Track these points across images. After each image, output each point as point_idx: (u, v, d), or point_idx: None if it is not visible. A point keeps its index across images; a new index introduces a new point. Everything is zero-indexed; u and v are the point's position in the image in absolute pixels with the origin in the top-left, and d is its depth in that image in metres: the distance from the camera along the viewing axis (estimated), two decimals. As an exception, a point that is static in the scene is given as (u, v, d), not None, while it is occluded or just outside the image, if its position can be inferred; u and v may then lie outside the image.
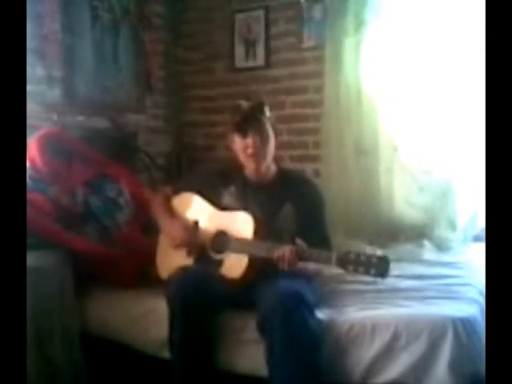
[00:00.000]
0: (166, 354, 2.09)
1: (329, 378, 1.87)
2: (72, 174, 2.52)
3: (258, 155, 2.13)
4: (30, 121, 2.59)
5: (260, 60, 3.56)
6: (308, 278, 2.08)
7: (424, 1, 2.96)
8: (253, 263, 2.02)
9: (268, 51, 3.53)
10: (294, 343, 1.81)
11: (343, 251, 1.85)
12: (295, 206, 2.15)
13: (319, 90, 3.29)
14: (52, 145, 2.51)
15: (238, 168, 2.23)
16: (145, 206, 2.54)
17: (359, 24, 3.08)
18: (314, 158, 3.37)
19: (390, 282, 2.09)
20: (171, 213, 2.27)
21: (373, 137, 3.07)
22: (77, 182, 2.50)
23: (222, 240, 2.11)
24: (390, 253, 2.11)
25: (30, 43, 2.74)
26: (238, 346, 2.02)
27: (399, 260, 2.44)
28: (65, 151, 2.56)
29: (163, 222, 2.26)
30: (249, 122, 2.12)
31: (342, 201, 3.09)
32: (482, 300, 2.00)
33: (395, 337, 1.85)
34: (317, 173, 3.31)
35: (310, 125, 3.40)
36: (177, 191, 2.34)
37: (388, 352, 1.85)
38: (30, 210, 2.22)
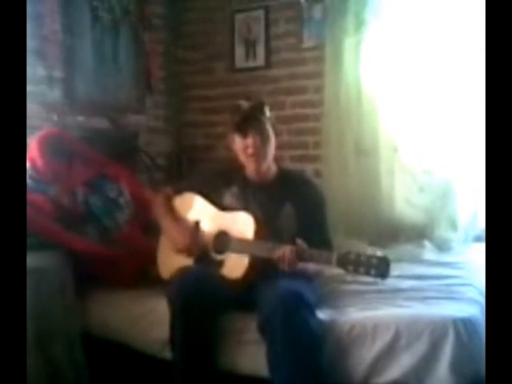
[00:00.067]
0: (166, 354, 2.09)
1: (330, 378, 1.86)
2: (72, 174, 2.52)
3: (259, 155, 2.13)
4: (30, 121, 2.60)
5: (260, 60, 3.56)
6: (308, 278, 2.08)
7: (424, 1, 2.95)
8: (253, 263, 2.01)
9: (268, 51, 3.53)
10: (294, 344, 1.81)
11: (343, 251, 1.84)
12: (296, 206, 2.15)
13: (319, 90, 3.29)
14: (52, 145, 2.51)
15: (239, 168, 2.23)
16: (145, 206, 2.54)
17: (359, 24, 3.08)
18: (315, 158, 3.37)
19: (390, 282, 2.08)
20: (173, 214, 2.27)
21: (373, 137, 3.07)
22: (77, 182, 2.50)
23: (222, 240, 2.11)
24: (391, 253, 2.10)
25: (31, 43, 2.74)
26: (239, 346, 2.02)
27: (400, 260, 2.44)
28: (65, 151, 2.55)
29: (165, 223, 2.26)
30: (249, 122, 2.12)
31: (342, 201, 3.09)
32: (483, 300, 2.00)
33: (396, 337, 1.85)
34: (317, 173, 3.31)
35: (310, 125, 3.40)
36: (178, 191, 2.34)
37: (389, 352, 1.85)
38: (30, 210, 2.21)
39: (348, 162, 3.13)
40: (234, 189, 2.22)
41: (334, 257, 1.85)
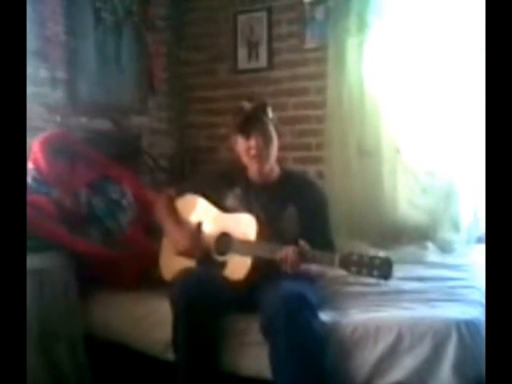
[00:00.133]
0: (169, 355, 2.09)
1: (332, 380, 1.86)
2: (75, 176, 2.52)
3: (261, 156, 2.13)
4: (33, 122, 2.65)
5: (263, 61, 3.56)
6: (311, 279, 2.08)
7: (426, 2, 2.95)
8: (256, 265, 2.01)
9: (270, 52, 3.53)
10: (297, 345, 1.80)
11: (346, 253, 1.84)
12: (298, 207, 2.15)
13: (322, 91, 3.29)
14: (55, 146, 2.52)
15: (241, 170, 2.23)
16: (148, 207, 2.54)
17: (362, 25, 3.08)
18: (317, 160, 3.37)
19: (393, 284, 2.09)
20: (175, 215, 2.27)
21: (375, 138, 3.07)
22: (80, 184, 2.51)
23: (225, 242, 2.11)
24: (393, 255, 2.11)
25: (34, 45, 2.75)
26: (242, 347, 2.02)
27: (402, 262, 2.43)
28: (68, 153, 2.56)
29: (167, 226, 2.26)
30: (252, 123, 2.12)
31: (344, 202, 3.09)
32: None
33: (399, 339, 1.85)
34: (320, 174, 3.31)
35: (313, 126, 3.40)
36: (180, 193, 2.34)
37: (392, 354, 1.85)
38: (33, 212, 2.22)
39: (350, 164, 3.13)
40: (237, 190, 2.22)
41: (337, 258, 1.84)
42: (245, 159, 2.17)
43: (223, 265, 2.09)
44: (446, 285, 2.29)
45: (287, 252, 1.91)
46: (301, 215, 2.15)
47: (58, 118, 2.88)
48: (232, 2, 3.64)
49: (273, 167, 2.21)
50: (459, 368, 1.77)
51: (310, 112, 3.41)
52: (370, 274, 1.79)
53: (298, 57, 3.44)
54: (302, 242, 1.92)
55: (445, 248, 2.90)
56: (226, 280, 2.05)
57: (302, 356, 1.80)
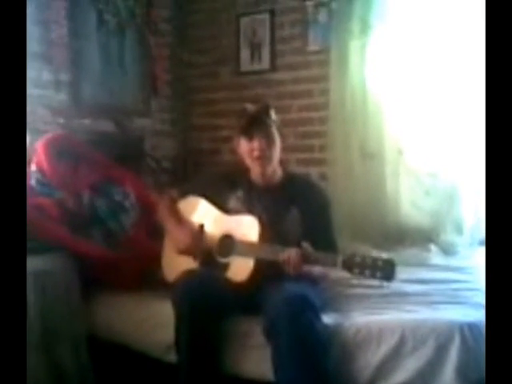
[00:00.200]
0: (171, 357, 2.09)
1: (335, 382, 1.86)
2: (78, 178, 2.53)
3: (264, 158, 2.13)
4: (36, 125, 2.67)
5: (265, 63, 3.56)
6: (314, 281, 2.07)
7: (428, 5, 2.95)
8: (259, 267, 2.01)
9: (273, 55, 3.53)
10: (299, 347, 1.80)
11: (349, 254, 1.84)
12: (301, 209, 2.15)
13: (325, 93, 3.29)
14: (58, 148, 2.52)
15: (244, 171, 2.23)
16: (150, 209, 2.54)
17: (364, 27, 3.08)
18: (320, 162, 3.37)
19: (396, 286, 2.09)
20: (177, 217, 2.27)
21: (378, 140, 3.07)
22: (83, 186, 2.51)
23: (227, 244, 2.11)
24: (396, 257, 2.08)
25: (37, 48, 2.77)
26: (244, 349, 2.02)
27: (405, 264, 2.42)
28: (71, 155, 2.56)
29: (169, 226, 2.26)
30: (255, 125, 2.12)
31: (347, 204, 3.09)
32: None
33: (402, 342, 1.85)
34: (322, 176, 3.31)
35: (316, 128, 3.40)
36: (182, 195, 2.34)
37: (394, 357, 1.85)
38: (36, 213, 2.24)
39: (353, 165, 3.13)
40: (239, 192, 2.22)
41: (340, 260, 1.84)
42: (248, 161, 2.17)
43: (226, 266, 2.09)
44: (449, 287, 2.29)
45: (290, 254, 1.91)
46: (303, 217, 2.14)
47: (62, 120, 2.89)
48: (235, 5, 3.65)
49: (276, 169, 2.21)
50: (462, 370, 1.77)
51: (313, 114, 3.41)
52: (373, 276, 1.79)
53: (300, 59, 3.44)
54: (304, 244, 1.92)
55: (448, 250, 2.89)
56: (228, 282, 2.05)
57: (305, 358, 1.80)
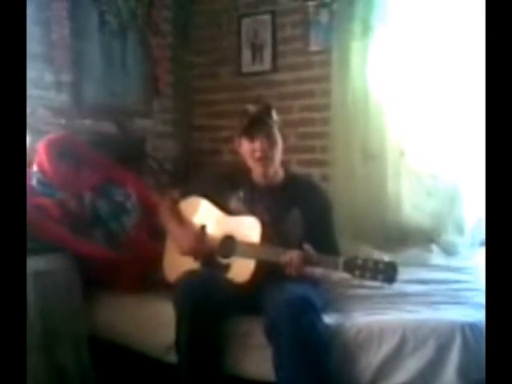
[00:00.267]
0: (172, 357, 2.09)
1: (336, 382, 1.86)
2: (80, 179, 2.53)
3: (266, 159, 2.13)
4: (38, 125, 2.67)
5: (267, 64, 3.57)
6: (315, 282, 2.07)
7: (430, 6, 2.95)
8: (260, 268, 2.01)
9: (275, 55, 3.54)
10: (301, 348, 1.80)
11: (350, 256, 1.84)
12: (303, 210, 2.15)
13: (326, 94, 3.29)
14: (60, 149, 2.52)
15: (245, 172, 2.23)
16: (152, 210, 2.54)
17: (366, 28, 3.08)
18: (322, 163, 3.37)
19: (397, 286, 2.07)
20: (179, 217, 2.28)
21: (380, 141, 3.07)
22: (84, 186, 2.51)
23: (229, 244, 2.11)
24: (397, 257, 2.10)
25: (38, 48, 2.76)
26: (245, 350, 2.02)
27: (406, 265, 2.42)
28: (73, 156, 2.56)
29: (171, 227, 2.27)
30: (256, 125, 2.12)
31: (349, 205, 3.09)
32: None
33: (403, 342, 1.85)
34: (324, 177, 3.31)
35: (317, 129, 3.40)
36: (184, 195, 2.34)
37: (395, 357, 1.85)
38: (37, 214, 2.24)
39: (355, 166, 3.13)
40: (241, 193, 2.22)
41: (341, 261, 1.84)
42: (249, 162, 2.17)
43: (227, 267, 2.09)
44: (450, 287, 2.29)
45: (291, 255, 1.91)
46: (305, 218, 2.14)
47: (63, 121, 2.89)
48: (236, 6, 3.65)
49: (277, 170, 2.21)
50: (463, 371, 1.77)
51: (315, 115, 3.41)
52: (374, 278, 1.79)
53: (302, 60, 3.44)
54: (306, 246, 1.92)
55: (449, 251, 2.89)
56: (229, 282, 2.05)
57: (306, 358, 1.80)
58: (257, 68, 3.60)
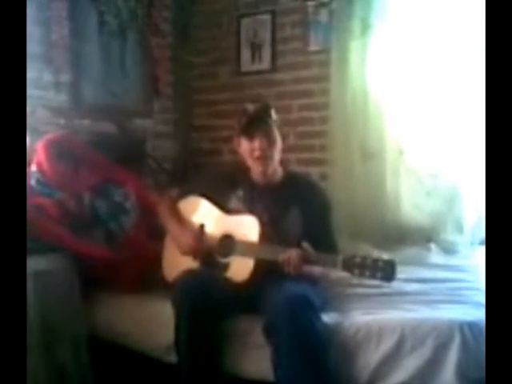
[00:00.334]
0: (171, 357, 2.09)
1: (335, 381, 1.86)
2: (79, 179, 2.53)
3: (265, 158, 2.13)
4: (37, 125, 2.67)
5: (266, 64, 3.57)
6: (314, 281, 2.07)
7: (429, 5, 2.95)
8: (259, 267, 2.01)
9: (274, 55, 3.54)
10: (300, 346, 1.80)
11: (349, 255, 1.84)
12: (302, 209, 2.15)
13: (325, 93, 3.29)
14: (59, 149, 2.52)
15: (244, 171, 2.23)
16: (151, 210, 2.54)
17: (365, 28, 3.08)
18: (321, 162, 3.37)
19: (396, 285, 2.08)
20: (178, 217, 2.28)
21: (379, 140, 3.07)
22: (83, 187, 2.51)
23: (228, 243, 2.12)
24: (396, 256, 2.10)
25: (38, 49, 2.77)
26: (244, 349, 2.02)
27: (405, 263, 2.42)
28: (72, 156, 2.56)
29: (170, 226, 2.27)
30: (255, 124, 2.12)
31: (348, 204, 3.09)
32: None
33: (401, 341, 1.85)
34: (323, 176, 3.31)
35: (317, 128, 3.41)
36: (183, 195, 2.34)
37: (394, 356, 1.85)
38: (36, 214, 2.24)
39: (354, 165, 3.13)
40: (240, 192, 2.22)
41: (340, 260, 1.85)
42: (248, 161, 2.18)
43: (226, 266, 2.09)
44: (449, 286, 2.29)
45: (290, 254, 1.91)
46: (304, 217, 2.15)
47: (63, 121, 2.89)
48: (236, 6, 3.66)
49: (276, 169, 2.21)
50: (462, 370, 1.77)
51: (314, 114, 3.41)
52: (373, 277, 1.79)
53: (301, 59, 3.45)
54: (305, 244, 1.92)
55: (448, 250, 2.89)
56: (228, 281, 2.05)
57: (305, 357, 1.80)
58: (256, 67, 3.61)
